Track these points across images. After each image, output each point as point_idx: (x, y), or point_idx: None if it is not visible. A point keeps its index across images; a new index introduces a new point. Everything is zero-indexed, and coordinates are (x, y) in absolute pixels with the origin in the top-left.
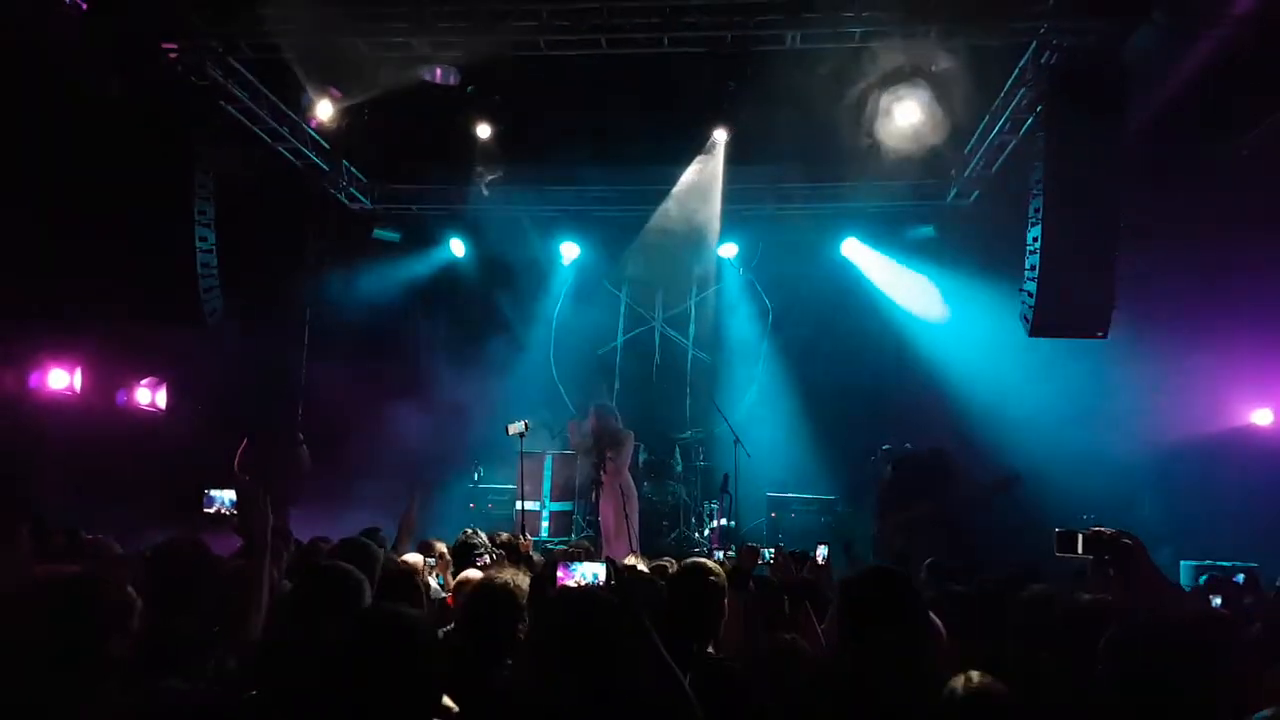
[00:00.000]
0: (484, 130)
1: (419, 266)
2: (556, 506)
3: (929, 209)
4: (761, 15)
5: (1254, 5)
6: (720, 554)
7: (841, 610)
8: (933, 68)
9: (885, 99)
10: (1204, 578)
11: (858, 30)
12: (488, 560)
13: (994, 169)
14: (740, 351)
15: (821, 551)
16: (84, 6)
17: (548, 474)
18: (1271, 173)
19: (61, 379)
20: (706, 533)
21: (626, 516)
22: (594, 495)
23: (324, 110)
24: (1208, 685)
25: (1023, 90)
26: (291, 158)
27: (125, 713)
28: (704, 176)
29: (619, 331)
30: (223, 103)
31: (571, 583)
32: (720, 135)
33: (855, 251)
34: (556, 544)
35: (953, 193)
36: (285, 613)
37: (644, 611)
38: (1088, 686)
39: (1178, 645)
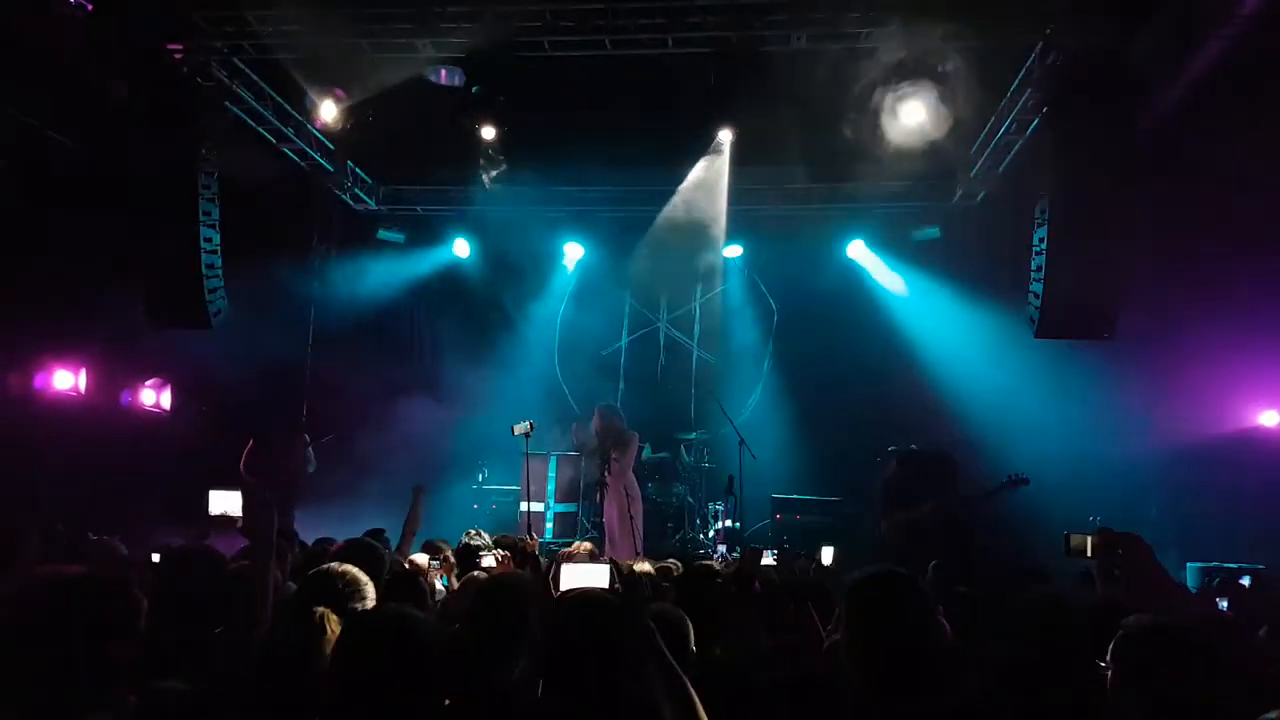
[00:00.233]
0: (488, 131)
1: (424, 267)
2: (561, 508)
3: (935, 210)
4: (766, 16)
5: (1261, 4)
6: (723, 549)
7: (848, 612)
8: (939, 68)
9: (891, 99)
10: (1216, 580)
11: (863, 31)
12: (493, 561)
13: (1000, 170)
14: (745, 353)
15: (827, 553)
16: (89, 7)
17: (552, 475)
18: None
19: (66, 380)
20: (711, 534)
21: (631, 518)
22: (598, 496)
23: (328, 111)
24: (1216, 687)
25: (1029, 91)
26: (296, 159)
27: (128, 714)
28: (709, 177)
29: (624, 332)
30: (227, 104)
31: (575, 584)
32: (725, 135)
33: (861, 253)
34: (561, 545)
35: (958, 194)
36: (289, 614)
37: (647, 612)
38: (1097, 689)
39: (1186, 647)
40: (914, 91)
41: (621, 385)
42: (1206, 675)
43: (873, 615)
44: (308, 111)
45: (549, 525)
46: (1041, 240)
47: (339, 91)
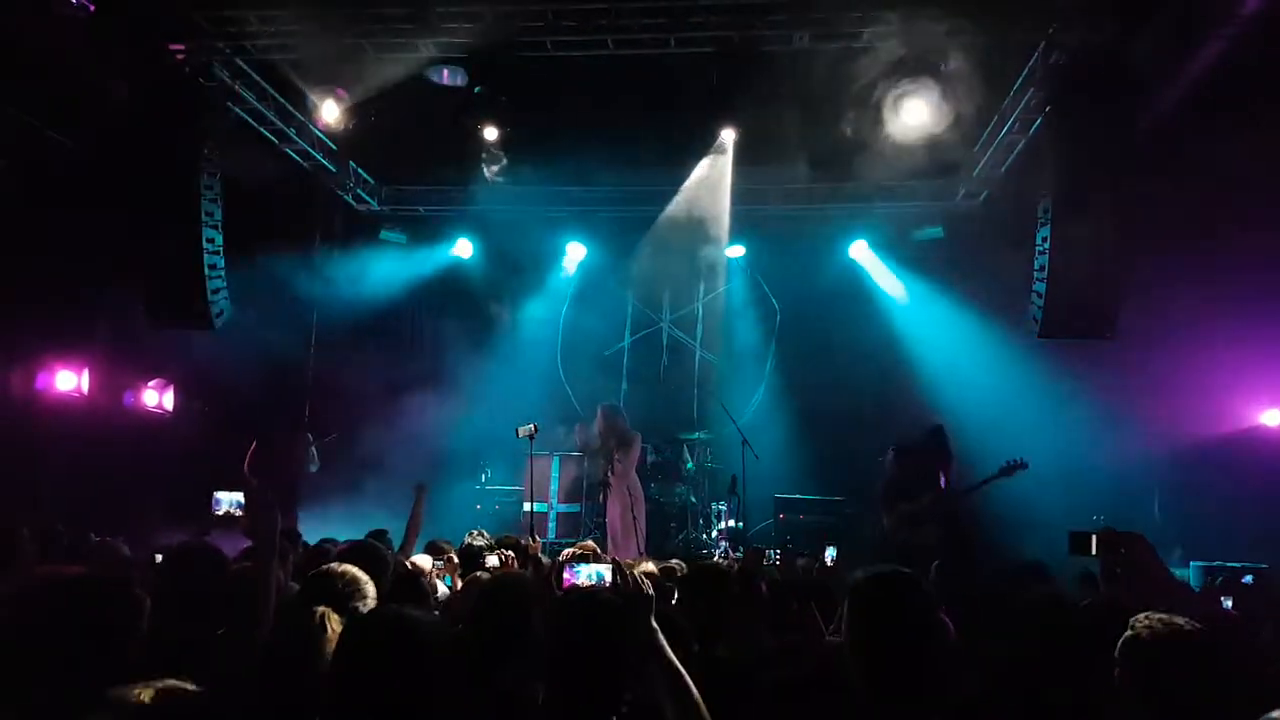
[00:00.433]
0: (490, 131)
1: (426, 267)
2: (564, 508)
3: (937, 209)
4: (768, 15)
5: (1262, 4)
6: (725, 546)
7: (851, 612)
8: (941, 68)
9: (893, 99)
10: (1219, 579)
11: (864, 30)
12: (496, 561)
13: (1003, 169)
14: (748, 353)
15: (830, 553)
16: (91, 8)
17: (555, 475)
18: None
19: (69, 380)
20: (714, 534)
21: (634, 518)
22: (601, 497)
23: (330, 112)
24: (1223, 688)
25: (1031, 90)
26: (298, 159)
27: (128, 714)
28: (712, 176)
29: (626, 332)
30: (229, 104)
31: (578, 584)
32: (728, 135)
33: (863, 253)
34: (564, 545)
35: (961, 193)
36: (291, 614)
37: (650, 612)
38: (1097, 688)
39: (1194, 649)
40: (916, 91)
41: (624, 385)
42: (1213, 676)
43: (875, 615)
44: (310, 112)
45: (552, 525)
46: (1045, 239)
47: (341, 92)
